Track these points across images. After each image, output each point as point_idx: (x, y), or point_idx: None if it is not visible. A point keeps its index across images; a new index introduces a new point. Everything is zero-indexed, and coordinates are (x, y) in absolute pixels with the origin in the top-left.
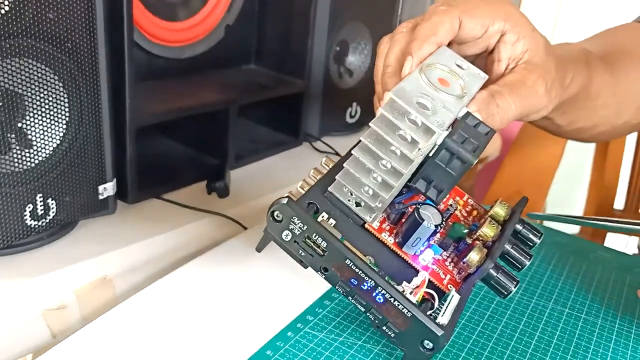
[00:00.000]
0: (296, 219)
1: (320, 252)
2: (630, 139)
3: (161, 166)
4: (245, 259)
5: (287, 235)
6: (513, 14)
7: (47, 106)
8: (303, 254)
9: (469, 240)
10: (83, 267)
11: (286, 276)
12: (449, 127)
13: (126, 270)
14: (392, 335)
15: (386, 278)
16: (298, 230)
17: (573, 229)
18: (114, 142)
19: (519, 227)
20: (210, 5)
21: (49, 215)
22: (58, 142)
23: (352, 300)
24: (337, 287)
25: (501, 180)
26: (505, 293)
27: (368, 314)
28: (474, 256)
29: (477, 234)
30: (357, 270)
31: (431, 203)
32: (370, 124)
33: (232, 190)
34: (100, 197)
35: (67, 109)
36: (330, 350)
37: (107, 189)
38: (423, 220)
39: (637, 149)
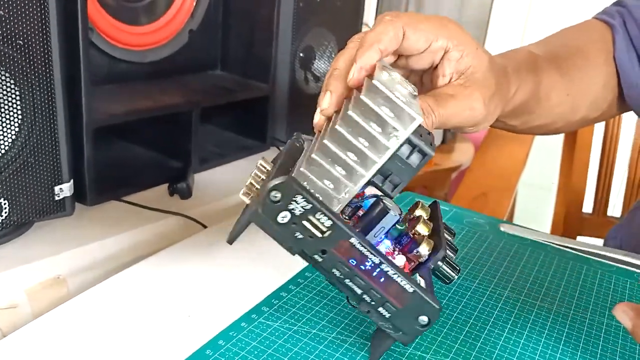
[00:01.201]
0: (300, 197)
1: (320, 233)
2: (596, 143)
3: (123, 169)
4: (202, 255)
5: (284, 217)
6: (457, 32)
7: None
8: (300, 236)
9: (410, 234)
10: (36, 267)
11: (243, 271)
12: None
13: (81, 270)
14: (388, 315)
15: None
16: (299, 210)
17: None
18: (70, 143)
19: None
20: (173, 10)
21: (1, 216)
22: (10, 140)
23: (350, 284)
24: (332, 271)
25: (467, 183)
26: (449, 280)
27: (364, 296)
28: (423, 248)
29: (414, 230)
30: (362, 248)
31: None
32: (348, 111)
33: (196, 192)
34: (57, 198)
35: (19, 107)
36: (284, 338)
37: (64, 190)
38: (389, 209)
39: (602, 152)
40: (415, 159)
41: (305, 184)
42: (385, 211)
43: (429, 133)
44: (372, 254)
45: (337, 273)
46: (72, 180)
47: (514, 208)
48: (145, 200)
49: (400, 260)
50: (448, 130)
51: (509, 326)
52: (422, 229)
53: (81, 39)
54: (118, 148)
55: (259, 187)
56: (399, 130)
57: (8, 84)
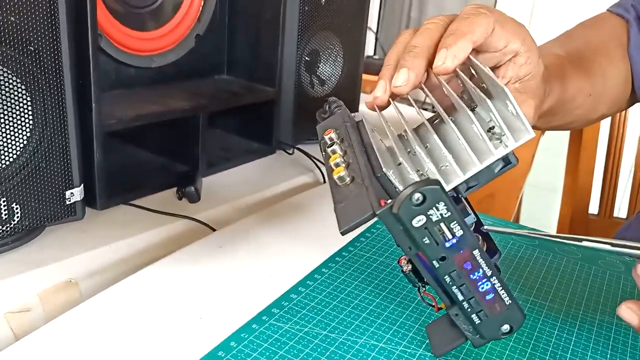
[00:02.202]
0: (442, 204)
1: (445, 240)
2: (602, 144)
3: (132, 173)
4: (212, 258)
5: (419, 221)
6: (529, 38)
7: (9, 109)
8: (427, 241)
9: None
10: (48, 270)
11: (252, 273)
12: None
13: (93, 273)
14: (478, 322)
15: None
16: (437, 217)
17: (552, 229)
18: (81, 148)
19: None
20: (179, 16)
21: (13, 220)
22: (22, 146)
23: (455, 290)
24: (445, 278)
25: None
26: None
27: (464, 303)
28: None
29: None
30: (480, 259)
31: None
32: (469, 112)
33: (204, 195)
34: (68, 203)
35: (30, 113)
36: (295, 340)
37: (75, 194)
38: (469, 213)
39: (608, 153)
40: (499, 165)
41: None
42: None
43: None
44: (486, 265)
45: (448, 279)
46: (82, 185)
47: (520, 210)
48: (154, 204)
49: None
50: None
51: None
52: None
53: (91, 45)
54: (127, 153)
55: (337, 162)
56: (510, 140)
57: (19, 90)
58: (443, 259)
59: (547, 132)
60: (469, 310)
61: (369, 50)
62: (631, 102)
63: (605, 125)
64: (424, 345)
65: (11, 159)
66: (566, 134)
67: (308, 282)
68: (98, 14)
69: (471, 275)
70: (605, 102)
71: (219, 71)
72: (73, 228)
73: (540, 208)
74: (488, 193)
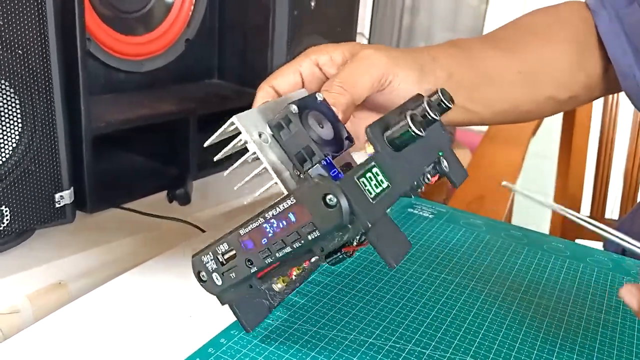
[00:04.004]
0: (204, 257)
1: (234, 253)
2: (593, 145)
3: (122, 177)
4: None
5: (217, 279)
6: (312, 49)
7: None
8: (234, 274)
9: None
10: (37, 272)
11: None
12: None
13: (82, 275)
14: (317, 233)
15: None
16: (213, 262)
17: (544, 228)
18: (70, 150)
19: None
20: (169, 20)
21: (2, 223)
22: (11, 149)
23: (280, 255)
24: (268, 263)
25: (463, 186)
26: (409, 132)
27: (295, 245)
28: (368, 147)
29: None
30: (249, 227)
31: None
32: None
33: (194, 198)
34: (57, 206)
35: (19, 115)
36: (284, 337)
37: (64, 197)
38: (310, 173)
39: (599, 155)
40: (291, 126)
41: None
42: (309, 177)
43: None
44: (253, 220)
45: (269, 260)
46: (72, 188)
47: (511, 211)
48: (144, 207)
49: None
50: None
51: (507, 322)
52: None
53: (79, 48)
54: (117, 157)
55: None
56: (241, 137)
57: (8, 93)
58: (250, 261)
59: (537, 135)
60: (303, 243)
61: None
62: (601, 92)
63: (595, 127)
64: (413, 339)
65: (0, 162)
66: (557, 135)
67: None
68: (87, 18)
69: (266, 237)
70: (547, 83)
71: (209, 75)
72: (63, 231)
73: (532, 211)
74: (478, 195)
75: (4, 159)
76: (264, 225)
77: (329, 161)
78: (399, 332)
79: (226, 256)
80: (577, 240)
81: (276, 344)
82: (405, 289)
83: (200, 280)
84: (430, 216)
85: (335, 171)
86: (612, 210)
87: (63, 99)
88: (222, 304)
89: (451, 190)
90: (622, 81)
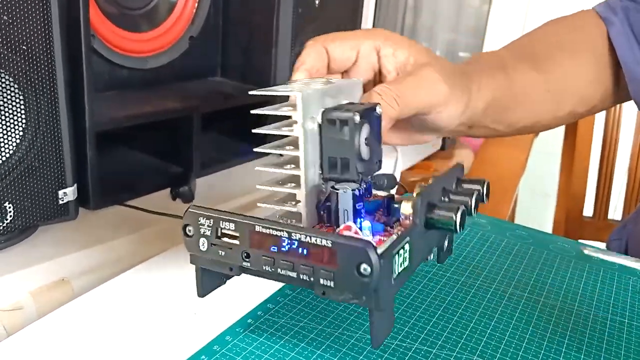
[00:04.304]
0: (202, 219)
1: (235, 240)
2: (596, 146)
3: (126, 174)
4: None
5: (203, 244)
6: (381, 32)
7: (2, 108)
8: (223, 253)
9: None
10: (40, 269)
11: None
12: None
13: (86, 272)
14: (332, 284)
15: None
16: (208, 230)
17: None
18: (73, 147)
19: (459, 187)
20: (173, 17)
21: (6, 219)
22: (15, 145)
23: (282, 272)
24: (264, 269)
25: None
26: (451, 224)
27: (301, 276)
28: (405, 205)
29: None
30: (267, 230)
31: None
32: (253, 130)
33: (198, 196)
34: (61, 202)
35: (23, 111)
36: (290, 334)
37: (67, 194)
38: (338, 189)
39: (602, 156)
40: (344, 132)
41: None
42: (335, 194)
43: (362, 104)
44: (277, 230)
45: (267, 268)
46: (75, 185)
47: (514, 213)
48: (147, 204)
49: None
50: (447, 137)
51: (513, 321)
52: (419, 189)
53: (83, 45)
54: (121, 155)
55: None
56: (293, 116)
57: (12, 89)
58: (247, 255)
59: (540, 135)
60: (312, 280)
61: None
62: (618, 100)
63: (599, 126)
64: (419, 339)
65: (4, 158)
66: (560, 136)
67: None
68: (91, 15)
69: (282, 248)
70: (570, 99)
71: (212, 73)
72: (66, 228)
73: (535, 211)
74: None
75: (7, 155)
76: (284, 238)
77: (361, 193)
78: (405, 331)
79: (225, 234)
80: (580, 241)
81: (282, 341)
82: (410, 288)
83: (184, 232)
84: None
85: (360, 205)
86: (615, 209)
87: (67, 96)
88: (191, 262)
89: None
90: (630, 86)
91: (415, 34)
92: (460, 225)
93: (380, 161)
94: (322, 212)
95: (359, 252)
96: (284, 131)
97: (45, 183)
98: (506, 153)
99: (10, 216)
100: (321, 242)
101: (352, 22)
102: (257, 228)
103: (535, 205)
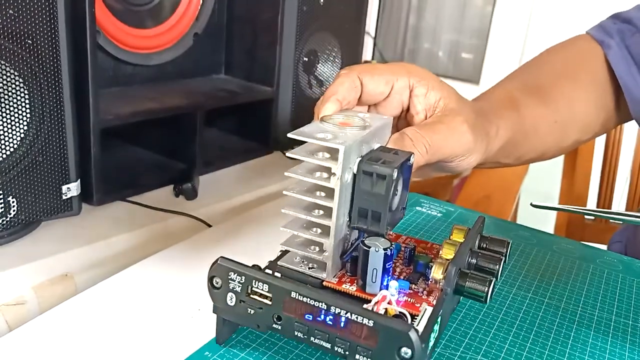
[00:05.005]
0: (233, 274)
1: (267, 300)
2: (599, 148)
3: (129, 171)
4: (208, 252)
5: (231, 299)
6: (416, 69)
7: (7, 102)
8: (252, 311)
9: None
10: (43, 264)
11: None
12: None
13: (88, 267)
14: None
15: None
16: (239, 286)
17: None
18: (78, 143)
19: (482, 244)
20: (178, 14)
21: (9, 214)
22: (19, 139)
23: (316, 341)
24: (295, 335)
25: (470, 186)
26: (482, 296)
27: (336, 348)
28: (436, 271)
29: (439, 256)
30: (305, 299)
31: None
32: (285, 173)
33: (200, 193)
34: (64, 197)
35: (28, 106)
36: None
37: (71, 189)
38: (369, 247)
39: (605, 158)
40: (379, 185)
41: (295, 259)
42: (366, 252)
43: (396, 152)
44: (316, 301)
45: (300, 334)
46: (79, 180)
47: (516, 214)
48: (151, 201)
49: (376, 297)
50: None
51: (517, 322)
52: (447, 252)
53: (89, 41)
54: (125, 151)
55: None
56: (332, 168)
57: (17, 83)
58: (279, 318)
59: None
60: (347, 353)
61: (367, 55)
62: (618, 122)
63: None
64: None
65: (8, 152)
66: None
67: None
68: (97, 10)
69: (318, 318)
70: (575, 128)
71: (217, 70)
72: (69, 223)
73: (537, 213)
74: (485, 194)
75: (11, 150)
76: (321, 310)
77: (392, 252)
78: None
79: (257, 293)
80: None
81: (276, 347)
82: None
83: (211, 284)
84: (439, 215)
85: (390, 265)
86: (618, 209)
87: (71, 91)
88: (214, 312)
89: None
90: (631, 107)
91: (418, 33)
92: (490, 296)
93: (404, 208)
94: (346, 261)
95: (402, 335)
96: (317, 178)
97: (48, 178)
98: None
99: (14, 210)
100: (362, 320)
101: (356, 20)
102: (294, 295)
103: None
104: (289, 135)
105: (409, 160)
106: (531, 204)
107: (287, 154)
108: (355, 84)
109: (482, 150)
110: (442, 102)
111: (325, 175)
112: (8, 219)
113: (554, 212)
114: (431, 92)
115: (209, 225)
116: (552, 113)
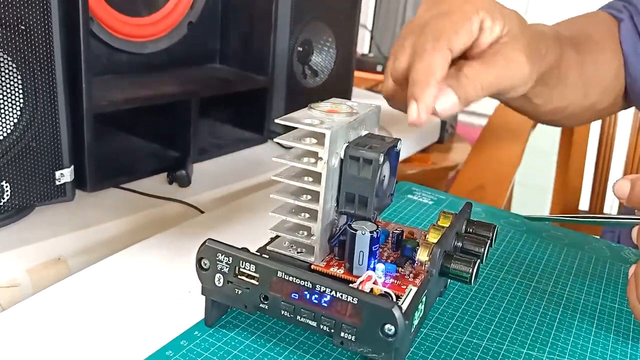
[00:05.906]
0: (221, 255)
1: (254, 280)
2: (592, 141)
3: (123, 158)
4: (200, 238)
5: (219, 280)
6: (481, 3)
7: (0, 88)
8: (240, 292)
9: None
10: (37, 248)
11: None
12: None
13: (82, 252)
14: (353, 338)
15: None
16: (226, 267)
17: None
18: (71, 129)
19: (469, 228)
20: (172, 2)
21: (2, 199)
22: (12, 124)
23: (302, 320)
24: (282, 314)
25: (464, 176)
26: (466, 277)
27: (322, 326)
28: (422, 253)
29: (425, 240)
30: (291, 278)
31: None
32: (273, 158)
33: (194, 181)
34: (58, 183)
35: (21, 91)
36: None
37: (64, 175)
38: (356, 230)
39: (599, 151)
40: (366, 170)
41: (284, 244)
42: (353, 235)
43: (383, 138)
44: (301, 279)
45: (286, 314)
46: (72, 166)
47: (510, 206)
48: (144, 188)
49: (362, 277)
50: (445, 131)
51: (504, 304)
52: (433, 236)
53: (82, 27)
54: (118, 139)
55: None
56: (319, 153)
57: (10, 68)
58: (266, 298)
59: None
60: (333, 331)
61: (364, 48)
62: (623, 104)
63: (596, 122)
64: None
65: (1, 137)
66: (557, 133)
67: None
68: None
69: (304, 297)
70: (596, 88)
71: (211, 59)
72: (63, 209)
73: (531, 207)
74: (478, 184)
75: (5, 135)
76: (307, 289)
77: (378, 236)
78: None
79: (244, 273)
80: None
81: (264, 327)
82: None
83: (199, 266)
84: (430, 202)
85: (376, 247)
86: (612, 205)
87: (65, 77)
88: (203, 294)
89: (451, 181)
90: (628, 82)
91: None
92: (474, 278)
93: (392, 194)
94: (333, 245)
95: (386, 313)
96: (305, 163)
97: (42, 163)
98: (503, 144)
99: (7, 195)
100: (347, 298)
101: (351, 10)
102: (280, 274)
103: (532, 200)
104: (277, 120)
105: (396, 146)
106: (525, 217)
107: (275, 140)
108: (448, 58)
109: (534, 77)
110: (506, 28)
111: (312, 160)
112: (1, 203)
113: (548, 205)
114: (497, 23)
115: (202, 212)
116: (580, 64)
